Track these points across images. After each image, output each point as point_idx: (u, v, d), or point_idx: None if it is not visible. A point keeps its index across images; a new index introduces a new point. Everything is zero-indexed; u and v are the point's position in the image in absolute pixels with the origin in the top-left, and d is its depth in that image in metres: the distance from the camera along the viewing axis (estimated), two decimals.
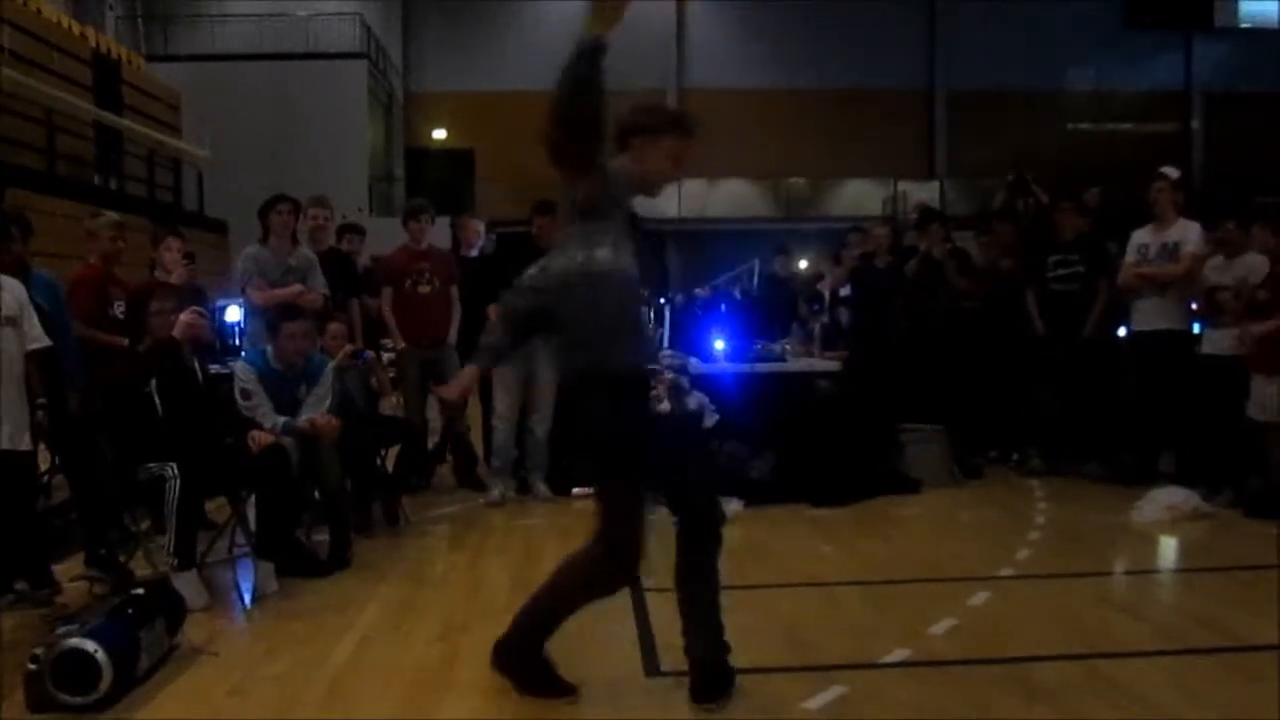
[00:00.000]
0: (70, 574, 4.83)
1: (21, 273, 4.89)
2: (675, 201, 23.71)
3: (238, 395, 5.10)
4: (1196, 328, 6.57)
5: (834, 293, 8.46)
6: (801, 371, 7.17)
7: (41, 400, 4.62)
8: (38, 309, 4.81)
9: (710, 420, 6.54)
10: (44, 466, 5.56)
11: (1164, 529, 5.64)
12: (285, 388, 5.20)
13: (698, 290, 15.78)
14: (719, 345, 7.20)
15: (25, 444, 4.49)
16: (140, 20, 22.23)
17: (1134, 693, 3.34)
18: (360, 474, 5.72)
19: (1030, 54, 23.89)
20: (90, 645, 3.31)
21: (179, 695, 3.49)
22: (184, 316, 4.78)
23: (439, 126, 24.33)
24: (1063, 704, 3.27)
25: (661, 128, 3.28)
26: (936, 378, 7.10)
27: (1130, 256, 6.71)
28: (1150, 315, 6.62)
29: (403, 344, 6.87)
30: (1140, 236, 6.70)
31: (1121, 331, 7.05)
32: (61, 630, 3.39)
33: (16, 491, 4.50)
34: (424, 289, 6.86)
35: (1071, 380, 6.98)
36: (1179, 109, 25.75)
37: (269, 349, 5.25)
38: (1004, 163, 12.48)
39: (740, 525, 5.85)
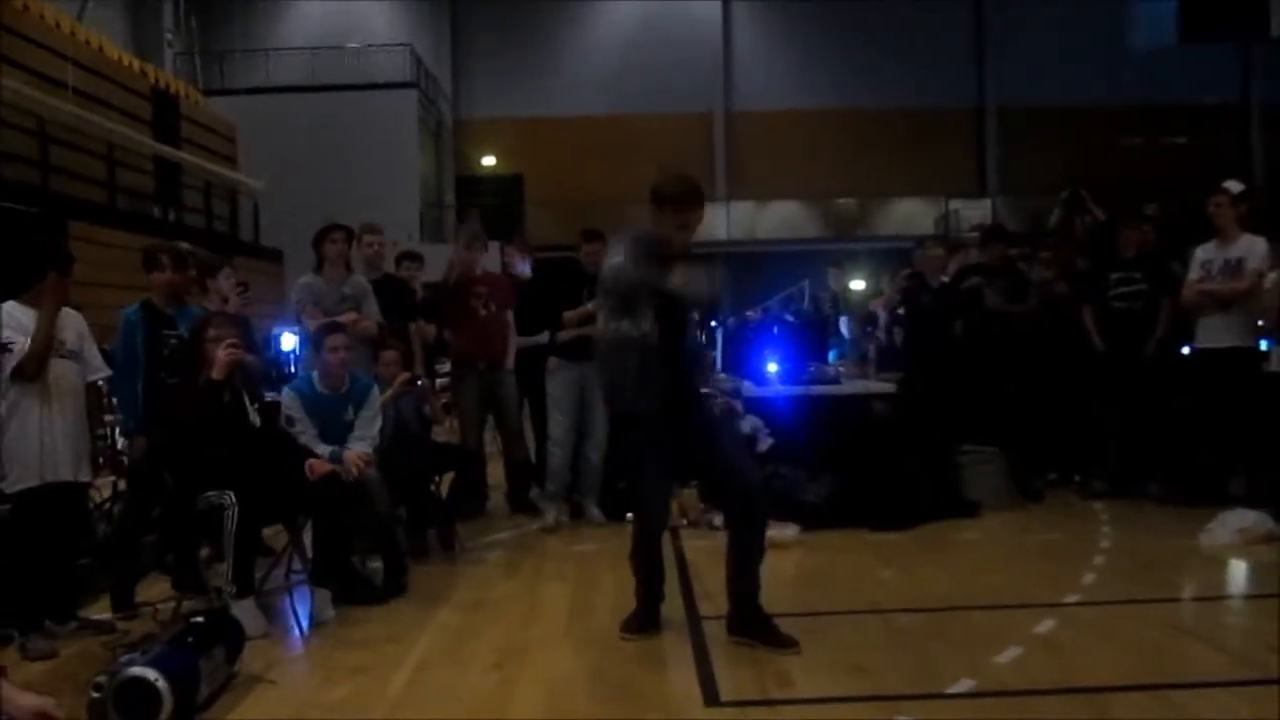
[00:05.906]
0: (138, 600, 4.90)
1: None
2: (724, 224, 23.71)
3: (282, 422, 5.14)
4: (1264, 345, 6.39)
5: (892, 313, 8.35)
6: (857, 394, 7.07)
7: (102, 431, 4.70)
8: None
9: (765, 445, 6.46)
10: (106, 494, 5.67)
11: (1236, 552, 5.46)
12: (333, 411, 5.24)
13: (749, 313, 15.67)
14: (772, 368, 7.13)
15: (85, 475, 4.56)
16: (197, 56, 22.75)
17: None
18: (415, 500, 5.73)
19: (1081, 67, 23.53)
20: (152, 674, 3.33)
21: None
22: (220, 354, 4.61)
23: (489, 153, 24.55)
24: None
25: (658, 202, 3.93)
26: (994, 398, 6.97)
27: (1193, 273, 6.56)
28: (1215, 332, 6.46)
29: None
30: (1203, 252, 6.56)
31: (1185, 350, 6.87)
32: (124, 659, 3.42)
33: (72, 522, 4.56)
34: (482, 312, 6.89)
35: (1134, 400, 6.82)
36: (1237, 121, 25.21)
37: (314, 373, 5.30)
38: (1057, 179, 12.24)
39: (798, 551, 5.79)
